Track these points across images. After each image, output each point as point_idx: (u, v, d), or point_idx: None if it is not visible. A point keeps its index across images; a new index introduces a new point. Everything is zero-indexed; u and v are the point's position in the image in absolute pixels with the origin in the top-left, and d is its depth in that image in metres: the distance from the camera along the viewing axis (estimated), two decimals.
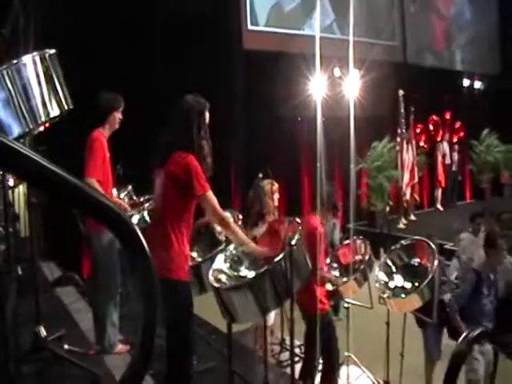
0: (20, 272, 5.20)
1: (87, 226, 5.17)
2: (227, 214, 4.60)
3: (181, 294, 3.48)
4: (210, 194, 3.50)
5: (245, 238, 3.72)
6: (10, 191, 5.08)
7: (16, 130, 3.44)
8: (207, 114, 3.70)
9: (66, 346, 4.26)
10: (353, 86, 9.44)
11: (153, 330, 1.17)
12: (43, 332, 4.02)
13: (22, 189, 6.28)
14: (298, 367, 5.19)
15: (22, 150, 0.91)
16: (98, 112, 4.81)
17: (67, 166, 0.97)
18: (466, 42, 17.34)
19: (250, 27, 12.51)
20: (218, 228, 4.31)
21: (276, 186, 5.87)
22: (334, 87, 11.39)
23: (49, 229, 7.97)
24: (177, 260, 3.44)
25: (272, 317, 5.84)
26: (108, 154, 4.77)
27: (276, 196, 5.85)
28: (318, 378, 5.31)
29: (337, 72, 12.34)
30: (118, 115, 4.87)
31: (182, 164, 3.46)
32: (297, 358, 5.31)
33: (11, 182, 5.22)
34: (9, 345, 3.41)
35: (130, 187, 6.02)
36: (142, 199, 5.80)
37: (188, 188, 3.44)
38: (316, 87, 9.51)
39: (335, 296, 6.00)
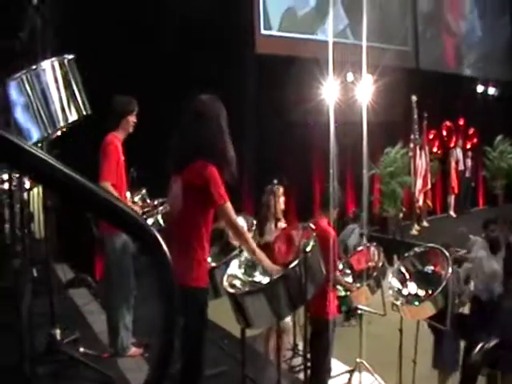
0: (35, 273, 5.24)
1: (100, 229, 5.19)
2: (240, 221, 4.62)
3: (202, 300, 3.44)
4: (229, 204, 3.40)
5: (258, 253, 3.60)
6: (25, 193, 5.12)
7: (35, 135, 3.48)
8: (225, 116, 3.55)
9: (81, 349, 4.28)
10: (365, 91, 9.43)
11: (172, 333, 1.18)
12: (59, 334, 4.05)
13: (36, 191, 6.31)
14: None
15: (39, 155, 0.93)
16: (112, 116, 4.83)
17: (81, 170, 0.98)
18: (477, 59, 17.31)
19: (263, 31, 12.51)
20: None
21: (281, 189, 5.87)
22: (347, 92, 11.39)
23: (62, 231, 8.01)
24: (200, 268, 3.39)
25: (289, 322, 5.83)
26: (122, 158, 4.79)
27: (282, 199, 5.85)
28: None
29: (350, 77, 12.32)
30: (132, 119, 4.89)
31: (201, 173, 3.34)
32: (309, 364, 5.29)
33: (27, 184, 5.26)
34: (24, 345, 3.44)
35: (143, 190, 6.03)
36: (155, 202, 5.81)
37: (207, 197, 3.33)
38: (328, 92, 9.52)
39: (346, 301, 6.01)
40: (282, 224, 5.74)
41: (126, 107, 4.86)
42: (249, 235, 3.75)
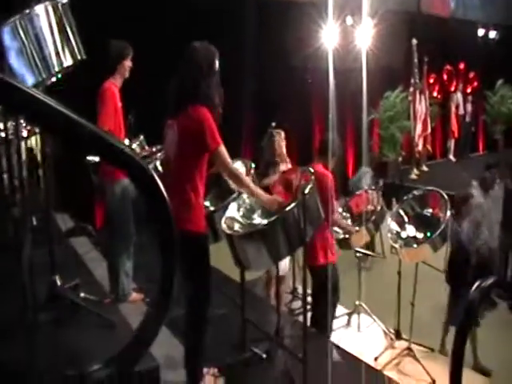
0: (35, 222, 5.25)
1: (100, 176, 5.19)
2: (239, 165, 4.61)
3: (200, 244, 3.50)
4: (222, 148, 3.43)
5: (257, 191, 3.65)
6: (23, 142, 5.11)
7: (29, 80, 3.44)
8: (217, 62, 3.60)
9: (82, 294, 4.32)
10: (365, 35, 9.32)
11: (172, 275, 1.19)
12: (59, 281, 4.08)
13: (34, 139, 6.29)
14: (309, 316, 5.26)
15: (42, 98, 0.92)
16: (107, 61, 4.79)
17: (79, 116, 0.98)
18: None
19: None
20: None
21: (282, 133, 5.86)
22: (347, 35, 11.24)
23: (61, 180, 8.02)
24: (195, 212, 3.44)
25: (286, 264, 5.86)
26: (120, 104, 4.76)
27: (283, 143, 5.85)
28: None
29: (349, 20, 12.13)
30: (128, 63, 4.84)
31: (194, 118, 3.39)
32: (309, 307, 5.36)
33: (24, 133, 5.24)
34: (26, 293, 3.47)
35: (141, 137, 6.00)
36: (154, 149, 5.80)
37: (201, 142, 3.37)
38: (328, 36, 9.41)
39: (346, 245, 6.03)
40: (283, 167, 5.74)
41: (121, 51, 4.81)
42: (244, 177, 3.76)
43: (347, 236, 5.85)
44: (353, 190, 8.54)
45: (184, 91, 3.49)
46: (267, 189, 4.12)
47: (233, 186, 3.95)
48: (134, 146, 5.72)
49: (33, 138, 6.21)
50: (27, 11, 3.50)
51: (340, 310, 6.32)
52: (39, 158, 6.11)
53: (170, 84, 3.63)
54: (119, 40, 4.89)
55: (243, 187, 3.65)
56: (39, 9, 3.54)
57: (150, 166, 5.19)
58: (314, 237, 4.69)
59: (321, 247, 5.11)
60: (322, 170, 5.16)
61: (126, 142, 5.32)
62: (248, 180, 3.75)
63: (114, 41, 4.85)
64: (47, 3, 3.61)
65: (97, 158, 5.00)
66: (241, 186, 3.67)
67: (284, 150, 5.81)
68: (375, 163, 13.14)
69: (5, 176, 5.65)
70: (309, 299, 5.87)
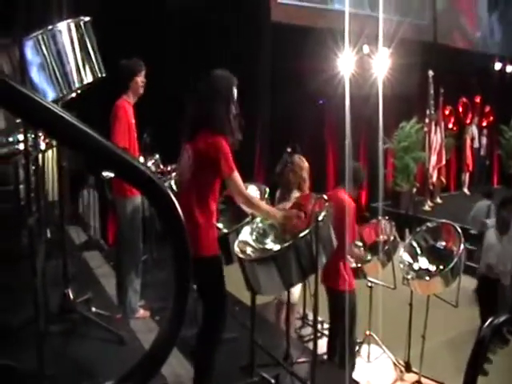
0: (49, 235, 5.27)
1: (113, 193, 5.21)
2: (253, 189, 4.61)
3: (215, 268, 3.53)
4: (236, 175, 3.47)
5: (272, 211, 3.72)
6: (40, 155, 5.12)
7: (50, 95, 3.47)
8: (236, 90, 3.66)
9: (93, 309, 4.32)
10: (382, 64, 9.35)
11: (185, 295, 1.18)
12: (71, 294, 4.08)
13: (51, 153, 6.32)
14: (319, 343, 5.20)
15: (64, 116, 0.92)
16: (120, 80, 4.83)
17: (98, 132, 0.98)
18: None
19: (279, 0, 12.39)
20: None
21: (305, 162, 5.81)
22: (363, 64, 11.27)
23: (75, 194, 8.07)
24: (207, 236, 3.46)
25: (297, 292, 5.81)
26: (133, 121, 4.79)
27: (303, 169, 5.80)
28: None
29: (366, 49, 12.16)
30: (141, 79, 4.87)
31: (211, 144, 3.43)
32: (319, 334, 5.31)
33: (42, 146, 5.25)
34: (39, 305, 3.47)
35: (157, 156, 6.04)
36: (169, 168, 5.84)
37: (215, 169, 3.42)
38: (344, 64, 9.45)
39: (359, 274, 5.99)
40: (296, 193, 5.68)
41: (132, 69, 4.85)
42: (258, 200, 3.85)
43: (360, 265, 5.82)
44: (473, 226, 8.39)
45: (202, 117, 3.56)
46: None
47: (247, 210, 3.94)
48: (150, 164, 5.76)
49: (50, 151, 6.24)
50: (50, 27, 3.54)
51: None
52: (51, 171, 6.14)
53: (188, 108, 3.71)
54: (131, 59, 4.92)
55: (258, 211, 3.68)
56: (62, 25, 3.59)
57: (165, 185, 5.19)
58: (337, 262, 4.72)
59: (342, 273, 5.09)
60: (343, 196, 5.10)
61: (141, 160, 5.34)
62: (262, 203, 3.80)
63: (124, 60, 4.89)
64: (70, 20, 3.66)
65: (112, 174, 5.01)
66: (256, 210, 3.69)
67: (306, 176, 5.67)
68: (389, 193, 13.14)
69: (21, 187, 5.67)
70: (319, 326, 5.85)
